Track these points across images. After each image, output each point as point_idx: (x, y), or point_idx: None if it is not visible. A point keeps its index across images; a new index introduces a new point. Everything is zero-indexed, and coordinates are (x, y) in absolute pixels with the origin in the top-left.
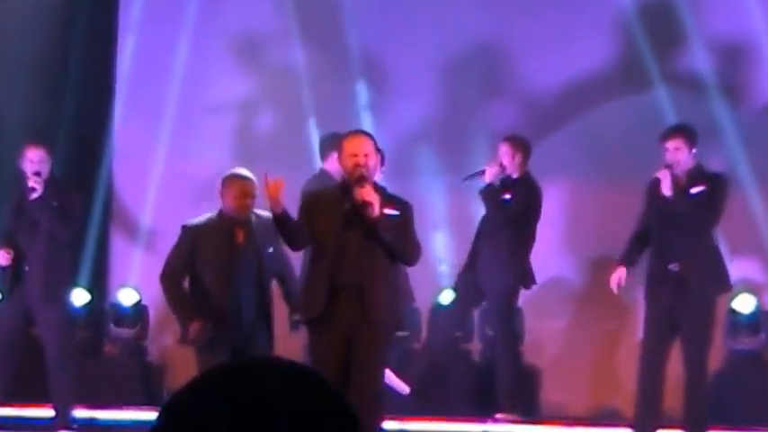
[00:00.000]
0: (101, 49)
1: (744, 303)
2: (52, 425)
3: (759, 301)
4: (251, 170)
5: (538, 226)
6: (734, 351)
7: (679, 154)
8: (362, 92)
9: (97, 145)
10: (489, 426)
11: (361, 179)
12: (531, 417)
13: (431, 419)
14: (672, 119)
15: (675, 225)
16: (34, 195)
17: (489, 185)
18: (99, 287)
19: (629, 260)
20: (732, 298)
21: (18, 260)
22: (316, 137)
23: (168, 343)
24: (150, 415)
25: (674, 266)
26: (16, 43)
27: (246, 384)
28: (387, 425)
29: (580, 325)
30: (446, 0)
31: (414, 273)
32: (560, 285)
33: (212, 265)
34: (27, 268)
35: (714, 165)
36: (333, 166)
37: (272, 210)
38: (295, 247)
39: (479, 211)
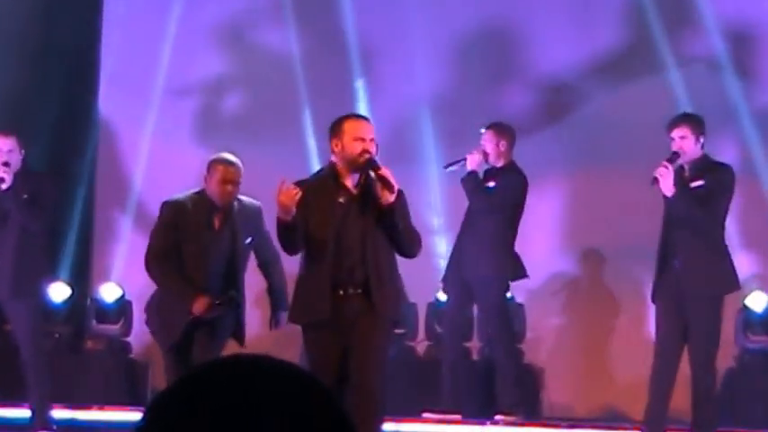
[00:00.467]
0: (86, 36)
1: (756, 301)
2: (30, 426)
3: None
4: (242, 156)
5: (537, 221)
6: (746, 349)
7: (685, 143)
8: (359, 74)
9: (80, 135)
10: (489, 427)
11: (374, 162)
12: (532, 418)
13: (428, 421)
14: (685, 104)
15: (678, 221)
16: (3, 186)
17: (472, 173)
18: (80, 282)
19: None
20: (745, 295)
21: None
22: (310, 121)
23: (152, 340)
24: (134, 415)
25: (677, 264)
26: None
27: (234, 384)
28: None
29: (583, 323)
30: None
31: (412, 268)
32: (563, 282)
33: (188, 246)
34: None
35: (728, 153)
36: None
37: (280, 216)
38: (293, 252)
39: None
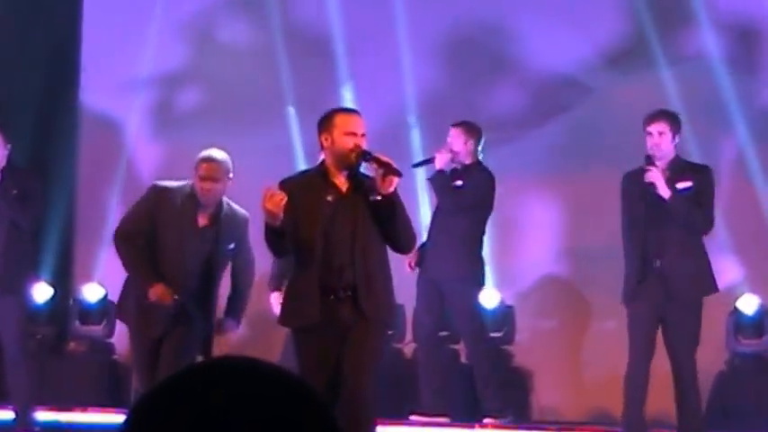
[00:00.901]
0: (66, 33)
1: (747, 304)
2: (13, 427)
3: (762, 301)
4: (228, 150)
5: (526, 223)
6: (737, 353)
7: (663, 140)
8: (346, 69)
9: (62, 133)
10: (477, 430)
11: (367, 153)
12: (523, 420)
13: (415, 424)
14: (679, 104)
15: (662, 222)
16: None
17: (440, 172)
18: (63, 282)
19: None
20: (736, 298)
21: None
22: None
23: None
24: (117, 417)
25: (659, 265)
26: None
27: (219, 387)
28: None
29: (573, 325)
30: None
31: (398, 268)
32: (553, 284)
33: (167, 235)
34: None
35: (721, 153)
36: None
37: (268, 222)
38: (282, 256)
39: None
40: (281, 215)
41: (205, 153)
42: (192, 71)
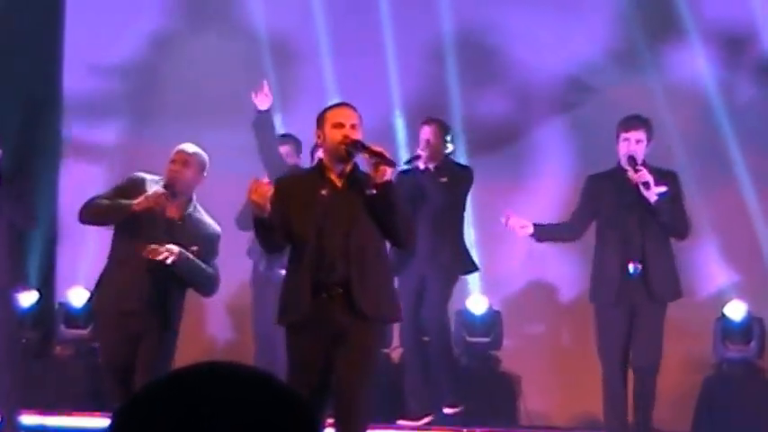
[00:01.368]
0: (49, 36)
1: (735, 310)
2: None
3: (750, 307)
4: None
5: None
6: (724, 359)
7: (640, 147)
8: (333, 75)
9: (45, 140)
10: None
11: (358, 142)
12: (511, 426)
13: (403, 428)
14: (665, 113)
15: (644, 224)
16: None
17: (427, 169)
18: (48, 286)
19: (540, 234)
20: (723, 304)
21: None
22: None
23: None
24: (102, 421)
25: (635, 267)
26: None
27: (204, 391)
28: None
29: (560, 331)
30: None
31: None
32: (541, 290)
33: (137, 221)
34: None
35: (708, 161)
36: None
37: (256, 215)
38: (275, 251)
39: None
40: (268, 206)
41: (181, 145)
42: (176, 76)
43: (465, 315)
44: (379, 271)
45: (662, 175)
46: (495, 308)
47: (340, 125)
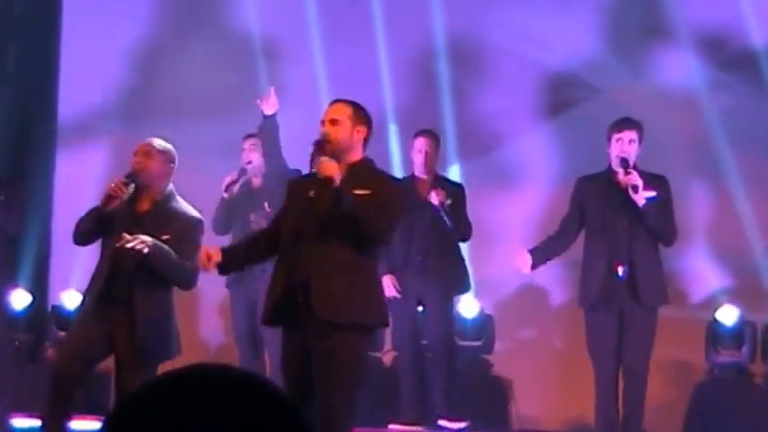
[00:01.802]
0: (44, 44)
1: (726, 315)
2: None
3: (742, 312)
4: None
5: (506, 231)
6: (716, 363)
7: (632, 147)
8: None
9: (38, 142)
10: None
11: (317, 144)
12: (502, 429)
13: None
14: (656, 115)
15: (633, 227)
16: None
17: (441, 204)
18: (40, 289)
19: (536, 259)
20: (715, 309)
21: None
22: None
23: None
24: (94, 424)
25: (624, 271)
26: None
27: (196, 394)
28: None
29: (553, 334)
30: None
31: None
32: (533, 293)
33: (114, 217)
34: None
35: (700, 165)
36: None
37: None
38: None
39: None
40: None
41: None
42: (170, 77)
43: (456, 319)
44: (347, 275)
45: (652, 180)
46: (487, 311)
47: (321, 123)
